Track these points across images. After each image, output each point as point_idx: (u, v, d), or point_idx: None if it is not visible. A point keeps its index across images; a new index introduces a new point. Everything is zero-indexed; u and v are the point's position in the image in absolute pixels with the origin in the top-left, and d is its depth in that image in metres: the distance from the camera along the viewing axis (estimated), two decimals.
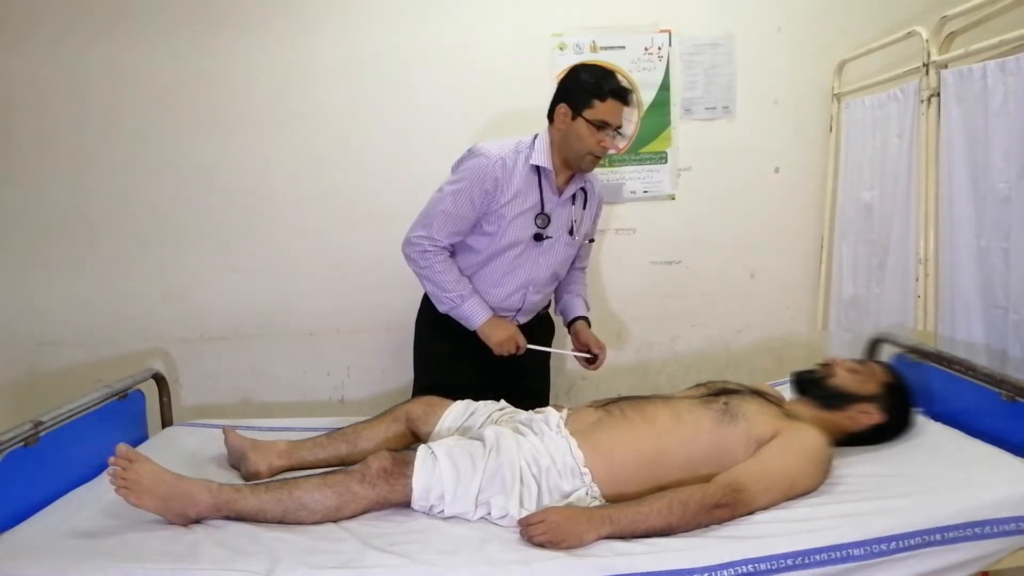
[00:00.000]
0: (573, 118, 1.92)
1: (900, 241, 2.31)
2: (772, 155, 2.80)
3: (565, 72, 2.02)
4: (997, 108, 1.93)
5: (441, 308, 2.03)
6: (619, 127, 1.95)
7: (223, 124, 2.64)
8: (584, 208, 2.11)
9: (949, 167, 2.11)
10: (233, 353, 2.72)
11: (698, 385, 1.89)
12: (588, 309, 2.27)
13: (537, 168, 1.99)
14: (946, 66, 2.12)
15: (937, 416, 1.83)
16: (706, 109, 2.76)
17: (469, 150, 2.01)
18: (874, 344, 2.13)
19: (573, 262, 2.23)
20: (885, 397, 1.73)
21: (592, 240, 2.24)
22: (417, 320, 2.24)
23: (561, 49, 2.70)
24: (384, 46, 2.64)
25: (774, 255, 2.85)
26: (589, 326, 2.22)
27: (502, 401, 1.90)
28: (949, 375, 1.82)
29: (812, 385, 1.79)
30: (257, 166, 2.65)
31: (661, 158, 2.77)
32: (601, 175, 2.74)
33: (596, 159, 1.98)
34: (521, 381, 2.12)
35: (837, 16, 2.72)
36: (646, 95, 2.73)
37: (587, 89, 1.90)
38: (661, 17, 2.70)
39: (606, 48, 2.70)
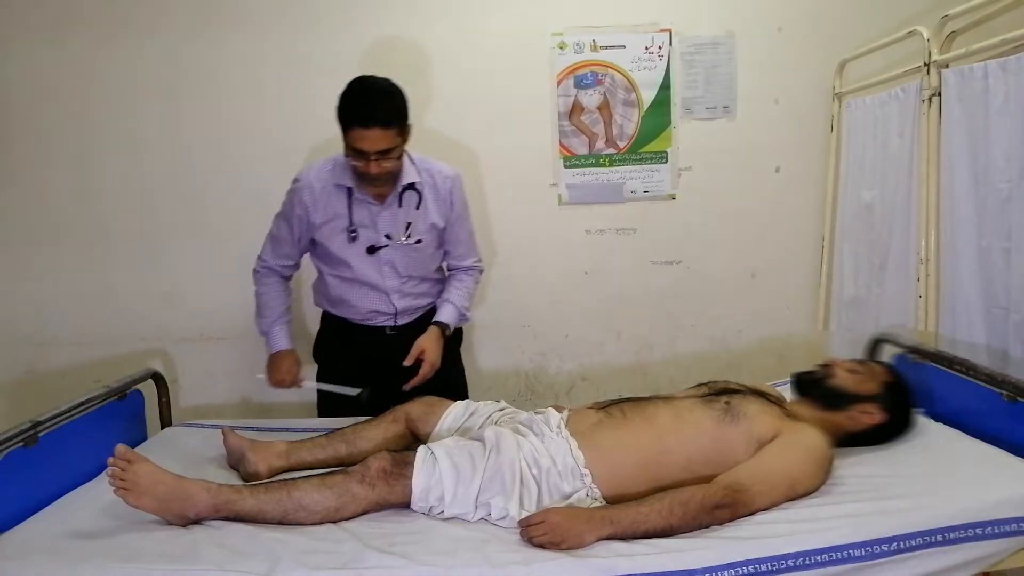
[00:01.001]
0: (344, 139, 1.89)
1: (901, 241, 2.31)
2: (772, 155, 2.80)
3: None
4: (998, 108, 1.93)
5: (257, 329, 2.15)
6: (383, 151, 1.85)
7: (223, 124, 2.64)
8: (418, 208, 2.05)
9: (950, 167, 2.10)
10: (233, 353, 2.72)
11: (699, 385, 1.89)
12: (462, 316, 2.17)
13: (346, 187, 1.99)
14: (947, 66, 2.12)
15: (938, 416, 1.83)
16: (706, 109, 2.76)
17: (294, 179, 2.06)
18: (875, 344, 2.13)
19: (449, 260, 2.20)
20: (886, 397, 1.73)
21: (469, 234, 2.18)
22: (319, 332, 2.28)
23: (561, 49, 2.70)
24: (384, 46, 2.64)
25: (774, 255, 2.84)
26: (444, 334, 2.10)
27: (502, 401, 1.90)
28: (950, 375, 1.81)
29: (812, 386, 1.78)
30: (257, 166, 2.65)
31: (661, 158, 2.77)
32: (602, 174, 2.76)
33: (372, 178, 1.91)
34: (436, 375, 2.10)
35: (838, 16, 2.72)
36: (646, 95, 2.73)
37: (340, 115, 1.86)
38: (661, 16, 2.70)
39: (606, 48, 2.70)
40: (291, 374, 2.12)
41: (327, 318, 2.23)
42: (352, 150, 1.86)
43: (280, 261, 2.11)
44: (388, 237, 2.04)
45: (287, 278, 2.17)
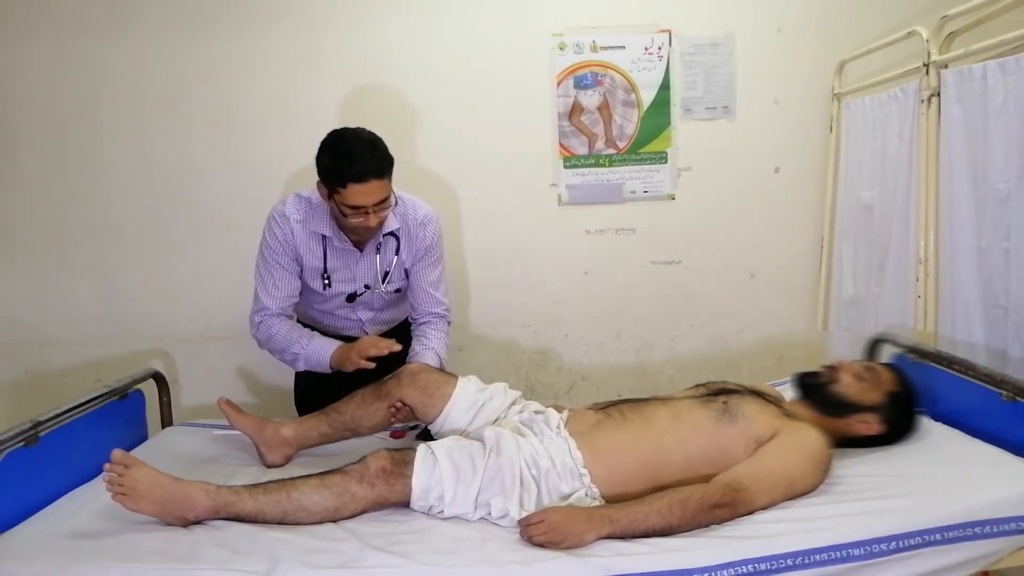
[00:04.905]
0: (328, 198, 1.84)
1: (900, 241, 2.31)
2: (772, 155, 2.80)
3: (321, 142, 1.84)
4: (997, 108, 1.93)
5: (297, 367, 2.01)
6: (381, 200, 1.82)
7: (223, 124, 2.64)
8: (397, 253, 2.02)
9: (949, 167, 2.11)
10: (233, 353, 2.72)
11: (697, 385, 1.89)
12: (441, 363, 2.04)
13: (321, 234, 1.95)
14: (946, 66, 2.12)
15: (937, 416, 1.83)
16: (706, 109, 2.76)
17: (269, 216, 1.97)
18: (874, 344, 2.13)
19: (417, 303, 2.10)
20: (887, 407, 1.71)
21: (439, 278, 2.09)
22: None
23: (561, 49, 2.70)
24: (384, 46, 2.64)
25: (774, 255, 2.84)
26: None
27: (509, 393, 1.86)
28: (949, 375, 1.81)
29: (814, 390, 1.77)
30: (257, 166, 2.65)
31: (661, 158, 2.77)
32: (601, 175, 2.76)
33: (370, 229, 1.88)
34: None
35: (837, 16, 2.72)
36: (646, 95, 2.73)
37: (329, 175, 1.79)
38: (661, 17, 2.70)
39: (606, 48, 2.70)
40: (376, 345, 1.90)
41: (303, 321, 2.18)
42: (347, 207, 1.80)
43: (283, 303, 2.00)
44: (367, 287, 2.03)
45: (291, 316, 2.07)
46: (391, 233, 1.99)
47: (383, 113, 2.64)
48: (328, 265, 1.99)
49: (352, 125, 1.89)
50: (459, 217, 2.72)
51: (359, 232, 1.91)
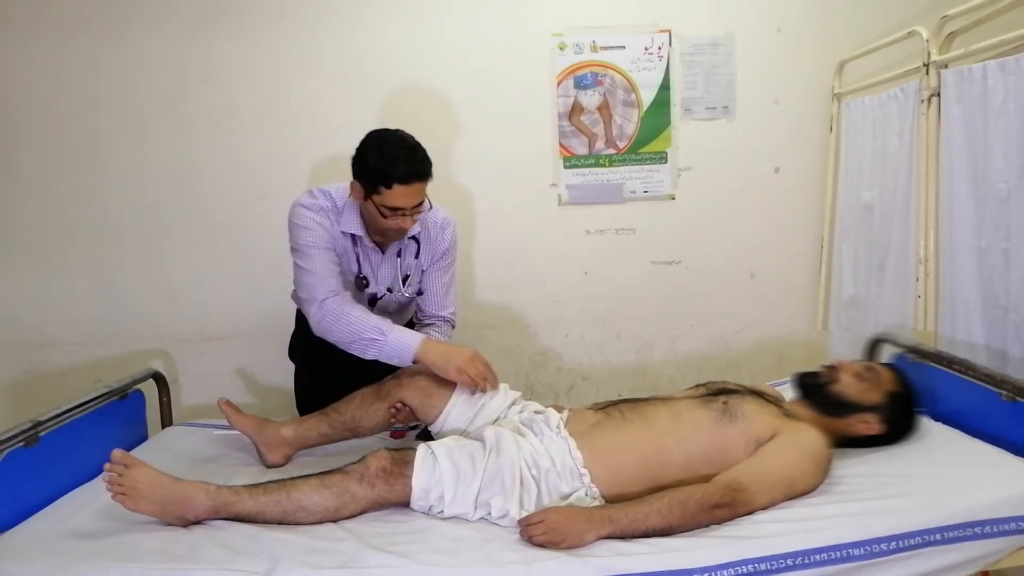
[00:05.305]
0: (365, 198, 1.81)
1: (900, 241, 2.31)
2: (772, 155, 2.80)
3: (360, 141, 1.82)
4: (997, 108, 1.93)
5: (367, 354, 1.83)
6: (420, 203, 1.82)
7: (223, 124, 2.65)
8: (417, 257, 2.01)
9: (949, 167, 2.11)
10: (233, 353, 2.72)
11: (697, 386, 1.89)
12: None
13: (350, 234, 1.92)
14: (946, 66, 2.12)
15: (937, 416, 1.83)
16: (706, 109, 2.76)
17: (295, 208, 1.90)
18: (874, 344, 2.13)
19: (425, 306, 2.09)
20: (888, 407, 1.71)
21: (451, 281, 2.08)
22: (294, 332, 2.24)
23: (561, 49, 2.70)
24: (384, 46, 2.64)
25: (774, 255, 2.85)
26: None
27: (509, 394, 1.86)
28: (949, 375, 1.81)
29: (814, 390, 1.77)
30: (257, 166, 2.66)
31: (661, 158, 2.77)
32: (601, 175, 2.76)
33: (401, 232, 1.87)
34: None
35: (837, 16, 2.72)
36: (646, 95, 2.73)
37: (373, 174, 1.76)
38: (661, 17, 2.71)
39: (606, 48, 2.70)
40: (488, 376, 1.80)
41: (303, 321, 2.15)
42: (387, 208, 1.78)
43: (338, 283, 1.88)
44: (389, 290, 2.02)
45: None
46: (412, 236, 1.99)
47: (383, 112, 2.64)
48: (361, 267, 1.97)
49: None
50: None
51: (389, 234, 1.90)
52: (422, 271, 2.05)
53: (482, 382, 1.78)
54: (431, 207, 1.92)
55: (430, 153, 1.79)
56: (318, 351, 2.13)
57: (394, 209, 1.79)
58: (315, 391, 2.09)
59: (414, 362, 1.82)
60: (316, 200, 1.90)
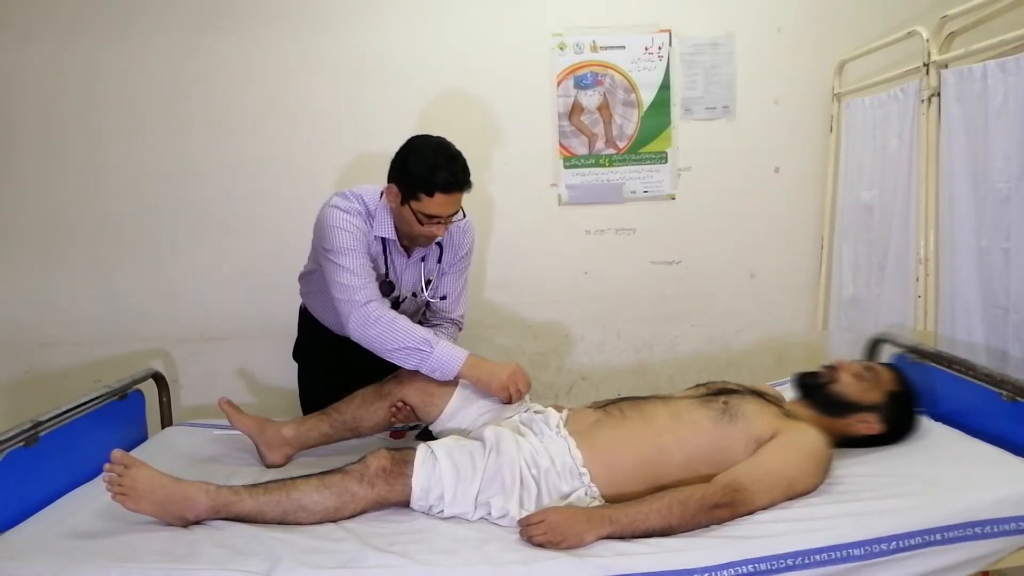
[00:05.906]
0: (402, 203, 1.80)
1: (900, 241, 2.31)
2: (772, 155, 2.80)
3: (402, 146, 1.82)
4: (997, 108, 1.93)
5: (408, 364, 1.80)
6: (455, 212, 1.82)
7: (223, 124, 2.65)
8: (439, 261, 2.01)
9: (949, 167, 2.11)
10: (233, 353, 2.72)
11: (697, 385, 1.89)
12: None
13: (381, 238, 1.91)
14: (946, 66, 2.12)
15: (937, 416, 1.83)
16: (706, 109, 2.76)
17: (330, 210, 1.87)
18: (874, 344, 2.13)
19: (438, 307, 2.08)
20: (887, 407, 1.71)
21: (464, 285, 2.10)
22: (299, 335, 2.24)
23: (561, 49, 2.70)
24: (384, 46, 2.64)
25: (774, 255, 2.85)
26: None
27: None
28: (949, 375, 1.81)
29: (814, 390, 1.77)
30: (257, 166, 2.66)
31: (661, 158, 2.77)
32: (601, 175, 2.76)
33: (432, 238, 1.86)
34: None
35: (837, 16, 2.72)
36: (646, 95, 2.73)
37: (414, 181, 1.75)
38: (661, 17, 2.71)
39: (606, 48, 2.70)
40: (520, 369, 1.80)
41: (307, 321, 2.18)
42: (424, 215, 1.78)
43: (375, 285, 1.86)
44: (414, 295, 2.02)
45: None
46: (438, 242, 1.98)
47: (383, 112, 2.64)
48: (388, 270, 1.96)
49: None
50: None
51: (419, 240, 1.89)
52: (443, 274, 2.05)
53: (519, 396, 1.79)
54: (464, 216, 1.92)
55: None
56: (323, 351, 2.13)
57: (431, 216, 1.79)
58: (320, 391, 2.08)
59: (455, 378, 1.81)
60: (351, 203, 1.88)
